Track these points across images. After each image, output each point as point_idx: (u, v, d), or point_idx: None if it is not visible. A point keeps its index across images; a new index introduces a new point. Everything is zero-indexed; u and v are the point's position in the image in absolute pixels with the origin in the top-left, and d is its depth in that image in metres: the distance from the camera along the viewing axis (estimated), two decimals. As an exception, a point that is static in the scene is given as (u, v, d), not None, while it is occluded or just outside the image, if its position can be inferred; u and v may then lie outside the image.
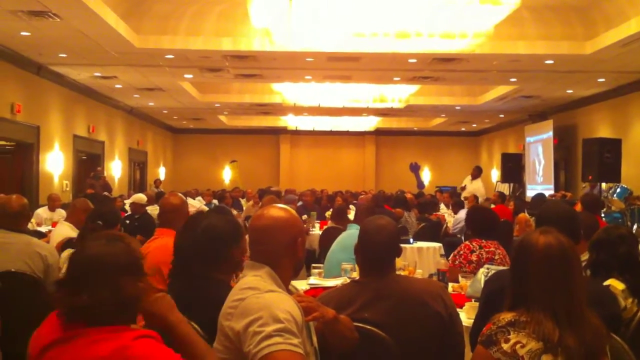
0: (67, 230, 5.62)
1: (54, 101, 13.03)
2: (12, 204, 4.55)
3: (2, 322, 3.89)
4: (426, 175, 23.84)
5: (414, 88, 16.00)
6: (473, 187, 14.24)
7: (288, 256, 2.42)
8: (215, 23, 10.54)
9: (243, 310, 2.19)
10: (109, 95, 15.78)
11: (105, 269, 1.95)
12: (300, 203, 12.66)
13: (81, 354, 1.86)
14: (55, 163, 12.80)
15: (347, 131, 23.39)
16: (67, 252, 4.49)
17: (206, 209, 11.74)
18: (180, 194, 4.77)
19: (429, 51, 10.51)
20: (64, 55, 11.24)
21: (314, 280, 4.32)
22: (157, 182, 18.69)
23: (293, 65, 12.35)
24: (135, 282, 1.98)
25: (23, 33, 9.58)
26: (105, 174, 15.00)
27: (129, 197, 12.70)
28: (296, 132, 23.86)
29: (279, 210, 2.48)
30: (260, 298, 2.20)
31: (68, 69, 12.58)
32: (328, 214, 10.24)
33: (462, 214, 8.77)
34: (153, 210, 9.37)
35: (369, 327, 2.73)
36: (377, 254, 2.94)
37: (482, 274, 3.73)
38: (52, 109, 12.94)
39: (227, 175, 23.84)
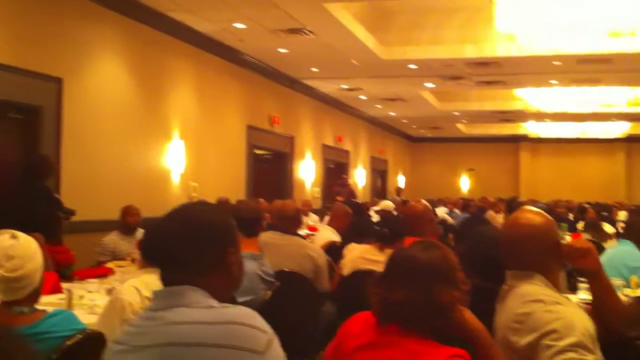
0: (329, 234, 5.98)
1: (306, 113, 13.96)
2: (288, 208, 4.94)
3: (277, 319, 4.24)
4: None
5: (675, 89, 14.54)
6: None
7: (553, 261, 2.35)
8: (458, 30, 10.52)
9: (533, 324, 2.14)
10: (353, 105, 16.49)
11: (421, 271, 2.00)
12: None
13: None
14: (306, 171, 13.70)
15: (595, 138, 21.88)
16: None
17: (449, 218, 11.75)
18: (423, 201, 4.76)
19: (698, 47, 9.52)
20: (315, 70, 11.98)
21: (583, 295, 4.09)
22: (399, 190, 19.07)
23: (538, 69, 11.90)
24: (448, 291, 1.99)
25: (281, 50, 10.38)
26: (350, 182, 15.71)
27: (372, 204, 13.13)
28: (537, 140, 22.88)
29: (534, 215, 2.40)
30: (551, 312, 2.14)
31: (318, 82, 13.37)
32: (579, 225, 9.68)
33: None
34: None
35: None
36: None
37: None
38: (304, 120, 13.87)
39: (464, 183, 23.61)
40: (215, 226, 1.71)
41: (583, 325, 2.10)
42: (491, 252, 2.80)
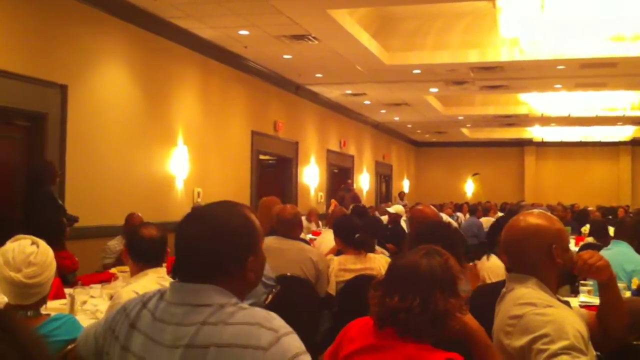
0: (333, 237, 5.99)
1: (310, 118, 14.00)
2: (287, 212, 4.97)
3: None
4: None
5: (680, 93, 14.53)
6: None
7: (547, 264, 2.32)
8: (462, 35, 10.54)
9: (524, 327, 2.15)
10: (358, 111, 16.52)
11: (420, 278, 2.01)
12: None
13: None
14: (311, 176, 13.75)
15: (599, 142, 21.86)
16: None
17: (453, 222, 11.74)
18: (432, 207, 4.85)
19: (702, 51, 9.52)
20: (320, 75, 12.02)
21: (584, 298, 4.11)
22: (402, 195, 19.09)
23: (542, 74, 11.90)
24: (447, 298, 1.99)
25: (285, 56, 10.42)
26: (355, 186, 15.73)
27: (377, 209, 13.14)
28: (542, 144, 22.88)
29: (532, 218, 2.39)
30: (542, 315, 2.15)
31: (323, 88, 13.42)
32: (584, 229, 9.67)
33: None
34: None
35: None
36: None
37: None
38: (308, 126, 13.91)
39: (469, 188, 23.61)
40: (239, 235, 1.70)
41: (574, 327, 2.11)
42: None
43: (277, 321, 1.61)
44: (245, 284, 1.71)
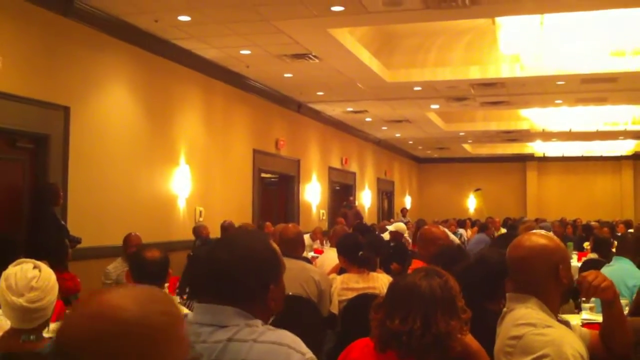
0: (335, 255, 5.98)
1: (312, 136, 14.03)
2: (289, 231, 4.96)
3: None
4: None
5: (681, 107, 14.54)
6: None
7: (552, 284, 2.32)
8: (463, 52, 10.59)
9: (524, 347, 2.14)
10: (359, 128, 16.56)
11: (420, 300, 2.01)
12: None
13: None
14: (313, 193, 13.75)
15: (601, 156, 21.87)
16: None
17: (456, 238, 11.70)
18: (441, 227, 4.85)
19: (702, 66, 9.55)
20: (321, 93, 12.07)
21: (586, 315, 4.09)
22: (404, 211, 19.07)
23: (543, 89, 11.95)
24: (448, 319, 2.00)
25: (286, 75, 10.47)
26: (357, 203, 15.72)
27: (380, 227, 13.12)
28: (544, 159, 22.88)
29: (537, 238, 2.39)
30: (542, 335, 2.14)
31: (324, 106, 13.46)
32: (586, 244, 9.64)
33: None
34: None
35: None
36: None
37: None
38: (310, 143, 13.94)
39: (471, 203, 23.59)
40: (264, 262, 1.77)
41: (573, 347, 2.11)
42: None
43: (303, 345, 1.67)
44: (266, 310, 1.77)
